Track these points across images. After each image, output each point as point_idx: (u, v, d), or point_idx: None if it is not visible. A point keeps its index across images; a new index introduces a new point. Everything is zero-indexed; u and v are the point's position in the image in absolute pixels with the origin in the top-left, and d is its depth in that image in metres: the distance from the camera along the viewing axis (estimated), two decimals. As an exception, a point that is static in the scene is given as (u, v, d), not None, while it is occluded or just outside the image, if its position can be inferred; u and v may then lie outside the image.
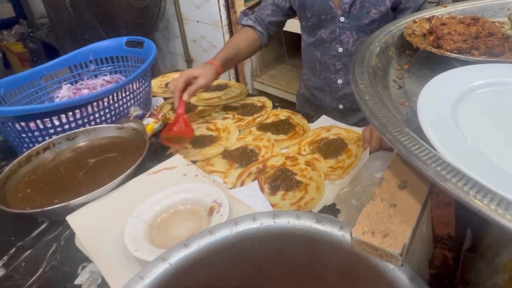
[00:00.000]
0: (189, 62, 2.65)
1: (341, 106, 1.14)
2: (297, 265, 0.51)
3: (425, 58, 0.63)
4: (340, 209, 0.70)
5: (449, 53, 0.55)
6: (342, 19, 1.02)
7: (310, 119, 1.11)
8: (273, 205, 0.76)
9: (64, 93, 1.19)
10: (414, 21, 0.68)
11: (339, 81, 1.11)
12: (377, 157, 0.69)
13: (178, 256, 0.44)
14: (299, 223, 0.49)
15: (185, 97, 0.94)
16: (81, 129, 0.93)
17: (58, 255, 0.71)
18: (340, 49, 1.06)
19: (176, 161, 0.82)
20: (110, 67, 1.29)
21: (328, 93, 1.14)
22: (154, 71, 1.70)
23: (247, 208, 0.68)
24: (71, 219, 0.68)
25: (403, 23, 0.68)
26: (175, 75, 1.50)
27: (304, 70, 1.19)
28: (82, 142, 0.92)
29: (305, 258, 0.50)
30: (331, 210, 0.76)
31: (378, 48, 0.59)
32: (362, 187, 0.57)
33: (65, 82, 1.21)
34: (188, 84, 0.96)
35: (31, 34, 3.29)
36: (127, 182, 0.76)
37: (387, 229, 0.28)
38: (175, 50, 2.70)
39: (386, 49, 0.62)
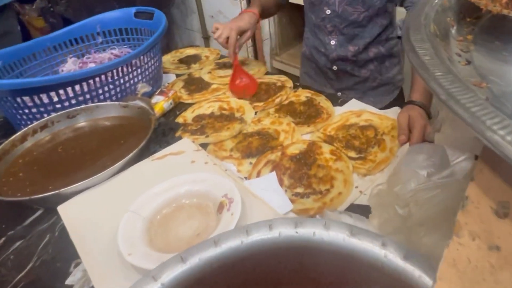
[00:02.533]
0: (207, 38, 2.53)
1: (335, 68, 1.12)
2: (323, 285, 0.41)
3: (493, 27, 0.50)
4: (373, 208, 0.59)
5: (534, 18, 0.42)
6: None
7: (336, 101, 0.99)
8: (293, 201, 0.66)
9: (70, 67, 1.10)
10: (479, -19, 0.54)
11: (332, 42, 1.08)
12: (420, 150, 0.57)
13: (173, 274, 0.35)
14: (328, 235, 0.39)
15: (237, 50, 1.03)
16: (82, 106, 0.85)
17: (51, 248, 0.63)
18: (328, 11, 1.03)
19: (184, 146, 0.72)
20: (119, 40, 1.19)
21: (323, 53, 1.12)
22: (171, 48, 1.61)
23: (262, 205, 0.58)
24: (62, 209, 0.60)
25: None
26: (189, 50, 1.39)
27: (306, 29, 1.19)
28: (83, 122, 0.84)
29: (334, 277, 0.40)
30: (360, 209, 0.65)
31: (434, 12, 0.47)
32: (412, 191, 0.45)
33: (71, 56, 1.12)
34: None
35: (51, 9, 3.24)
36: (128, 169, 0.67)
37: (494, 293, 0.17)
38: (192, 26, 2.58)
39: (443, 14, 0.49)
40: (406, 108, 0.82)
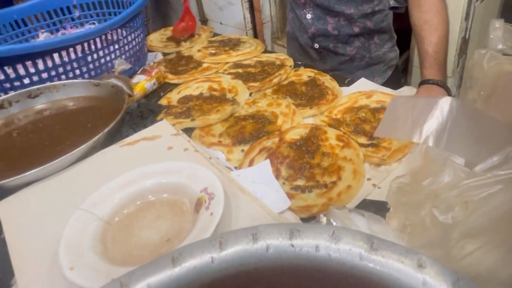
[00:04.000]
0: (204, 22, 2.39)
1: (316, 46, 1.01)
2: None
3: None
4: (392, 207, 0.46)
5: None
6: None
7: (342, 81, 0.86)
8: (292, 196, 0.54)
9: (42, 44, 0.97)
10: None
11: (308, 16, 0.98)
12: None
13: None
14: (337, 250, 0.27)
15: None
16: (47, 84, 0.73)
17: (-7, 253, 0.51)
18: None
19: (160, 129, 0.60)
20: (99, 15, 1.06)
21: (303, 30, 1.02)
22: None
23: (252, 201, 0.46)
24: (2, 206, 0.48)
25: None
26: (180, 28, 1.26)
27: (287, 5, 1.10)
28: (46, 102, 0.72)
29: (346, 309, 0.28)
30: (374, 206, 0.53)
31: None
32: (457, 187, 0.32)
33: (43, 30, 0.99)
34: None
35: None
36: (89, 157, 0.55)
37: None
38: (188, 8, 2.44)
39: None
40: (423, 89, 0.70)
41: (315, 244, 0.27)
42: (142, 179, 0.46)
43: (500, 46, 0.49)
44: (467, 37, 1.39)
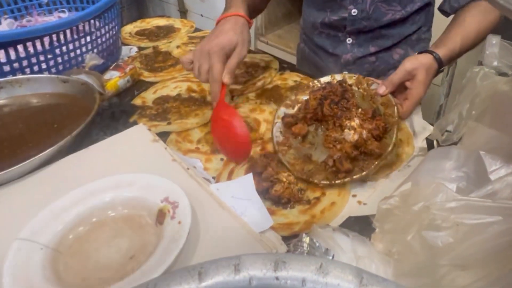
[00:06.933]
0: (184, 12, 2.32)
1: (345, 73, 0.89)
2: None
3: None
4: (379, 229, 0.45)
5: None
6: None
7: (328, 87, 0.84)
8: (272, 212, 0.51)
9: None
10: None
11: (349, 40, 0.85)
12: (446, 155, 0.43)
13: None
14: (325, 285, 0.24)
15: (226, 79, 0.62)
16: (8, 78, 0.66)
17: None
18: (354, 11, 0.80)
19: (137, 134, 0.56)
20: (69, 2, 0.98)
21: (331, 54, 0.89)
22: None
23: (232, 219, 0.43)
24: None
25: None
26: (157, 20, 1.20)
27: (304, 23, 0.94)
28: (7, 98, 0.65)
29: None
30: (359, 224, 0.52)
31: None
32: (450, 209, 0.30)
33: (6, 16, 0.91)
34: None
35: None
36: (52, 164, 0.50)
37: None
38: (167, -2, 2.36)
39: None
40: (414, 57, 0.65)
41: (302, 277, 0.25)
42: (88, 198, 0.42)
43: (495, 63, 0.49)
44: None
